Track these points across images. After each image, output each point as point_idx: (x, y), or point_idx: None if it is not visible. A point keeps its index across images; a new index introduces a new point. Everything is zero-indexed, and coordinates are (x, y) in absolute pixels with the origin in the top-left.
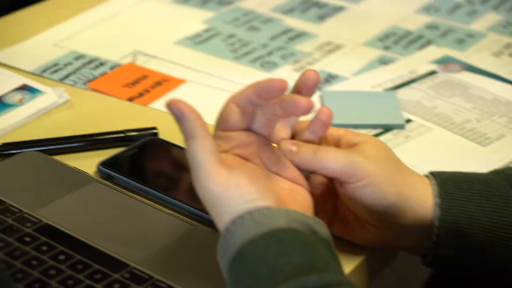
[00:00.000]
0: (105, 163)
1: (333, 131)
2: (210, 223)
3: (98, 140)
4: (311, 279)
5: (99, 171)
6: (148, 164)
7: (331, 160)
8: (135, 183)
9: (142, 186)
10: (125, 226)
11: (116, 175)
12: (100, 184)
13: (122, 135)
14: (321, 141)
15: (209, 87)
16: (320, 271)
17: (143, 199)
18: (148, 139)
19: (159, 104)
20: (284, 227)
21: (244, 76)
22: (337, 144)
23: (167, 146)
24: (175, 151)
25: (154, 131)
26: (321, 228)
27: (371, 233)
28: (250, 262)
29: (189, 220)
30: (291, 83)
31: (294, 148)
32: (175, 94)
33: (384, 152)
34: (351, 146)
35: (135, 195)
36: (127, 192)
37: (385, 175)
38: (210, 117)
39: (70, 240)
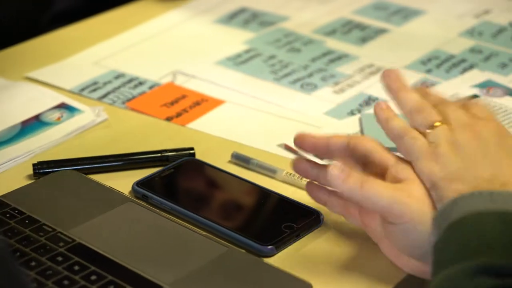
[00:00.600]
0: (140, 183)
1: (383, 158)
2: (243, 245)
3: (134, 160)
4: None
5: (133, 191)
6: (184, 184)
7: (376, 195)
8: (169, 203)
9: (176, 207)
10: (159, 247)
11: (151, 195)
12: (134, 204)
13: (158, 155)
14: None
15: (248, 108)
16: None
17: (178, 220)
18: (185, 160)
19: (197, 124)
20: None
21: (283, 98)
22: (383, 172)
23: (204, 166)
24: (211, 172)
25: (191, 151)
26: None
27: (413, 264)
28: (467, 232)
29: (223, 241)
30: (330, 105)
31: (342, 176)
32: (214, 114)
33: (428, 192)
34: (397, 181)
35: (170, 216)
36: (162, 213)
37: (429, 220)
38: (248, 138)
39: (102, 260)
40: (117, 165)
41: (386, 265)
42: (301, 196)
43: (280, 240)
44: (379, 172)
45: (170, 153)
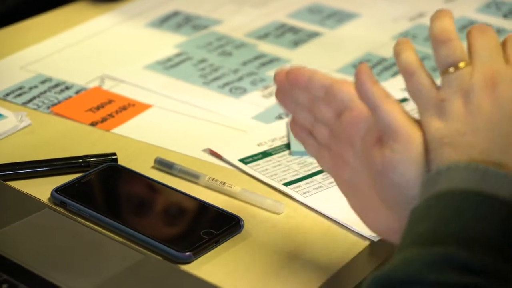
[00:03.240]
0: (59, 190)
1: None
2: (161, 252)
3: (55, 166)
4: (484, 260)
5: (52, 197)
6: (103, 191)
7: (391, 111)
8: (87, 209)
9: (94, 213)
10: (74, 254)
11: (69, 201)
12: (52, 211)
13: (79, 161)
14: None
15: (175, 112)
16: (500, 259)
17: (95, 227)
18: (106, 165)
19: (122, 130)
20: (504, 200)
21: (211, 102)
22: (354, 136)
23: (125, 172)
24: (132, 177)
25: (113, 157)
26: None
27: (388, 218)
28: (447, 210)
29: (140, 249)
30: (259, 109)
31: (370, 80)
32: (140, 119)
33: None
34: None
35: (87, 223)
36: (79, 220)
37: (422, 157)
38: (174, 143)
39: (15, 268)
40: (38, 171)
41: (306, 272)
42: (223, 202)
43: (198, 246)
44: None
45: (91, 159)
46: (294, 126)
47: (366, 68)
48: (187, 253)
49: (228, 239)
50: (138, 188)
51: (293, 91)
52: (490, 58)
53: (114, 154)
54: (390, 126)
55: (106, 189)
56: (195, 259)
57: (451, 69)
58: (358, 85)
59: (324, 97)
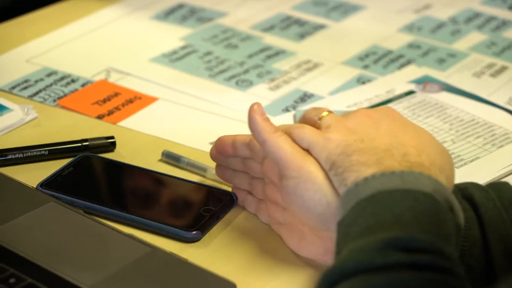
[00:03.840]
0: (44, 184)
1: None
2: (169, 234)
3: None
4: (425, 238)
5: (38, 191)
6: (91, 181)
7: (279, 145)
8: (83, 202)
9: (93, 205)
10: (81, 248)
11: (59, 195)
12: (57, 204)
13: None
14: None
15: (181, 105)
16: (438, 240)
17: (101, 220)
18: (80, 157)
19: (129, 122)
20: (426, 192)
21: (218, 95)
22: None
23: (101, 161)
24: (109, 164)
25: (112, 140)
26: (459, 213)
27: (314, 244)
28: (379, 206)
29: (147, 242)
30: (265, 101)
31: (260, 117)
32: (147, 112)
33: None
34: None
35: (93, 217)
36: (85, 214)
37: (326, 181)
38: (180, 136)
39: (22, 262)
40: (41, 155)
41: None
42: None
43: (203, 224)
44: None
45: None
46: (237, 191)
47: (258, 107)
48: (194, 232)
49: (227, 213)
50: (122, 175)
51: (227, 160)
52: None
53: (112, 137)
54: (279, 157)
55: (92, 179)
56: (203, 236)
57: (324, 113)
58: (249, 122)
59: (249, 154)
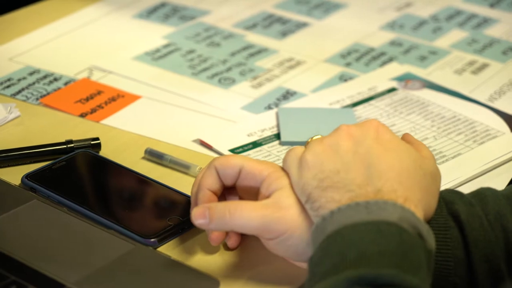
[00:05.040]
0: (29, 176)
1: (258, 171)
2: (127, 239)
3: (40, 153)
4: (389, 273)
5: (22, 183)
6: (74, 177)
7: (246, 221)
8: (55, 195)
9: (63, 199)
10: (64, 245)
11: (38, 187)
12: (40, 202)
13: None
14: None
15: (164, 103)
16: (405, 271)
17: (84, 218)
18: (77, 152)
19: (112, 121)
20: (392, 222)
21: (200, 93)
22: (258, 188)
23: (96, 159)
24: (103, 165)
25: (96, 141)
26: (430, 238)
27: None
28: (343, 242)
29: (130, 239)
30: (248, 99)
31: (205, 220)
32: (129, 110)
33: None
34: (270, 193)
35: (76, 214)
36: (68, 211)
37: (304, 225)
38: (164, 134)
39: (5, 260)
40: (23, 156)
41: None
42: None
43: (164, 233)
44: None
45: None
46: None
47: (196, 210)
48: (152, 240)
49: (194, 226)
50: (107, 174)
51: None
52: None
53: (97, 138)
54: (247, 231)
55: (76, 176)
56: (160, 246)
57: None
58: (205, 227)
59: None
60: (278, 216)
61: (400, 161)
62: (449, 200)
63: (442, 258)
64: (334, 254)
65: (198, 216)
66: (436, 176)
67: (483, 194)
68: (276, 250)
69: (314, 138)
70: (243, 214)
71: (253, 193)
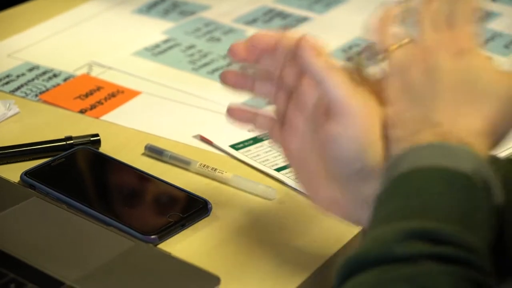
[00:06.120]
0: (28, 173)
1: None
2: (128, 236)
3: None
4: (450, 229)
5: (21, 180)
6: (73, 174)
7: (336, 83)
8: (55, 192)
9: (62, 196)
10: (64, 242)
11: (38, 184)
12: (40, 199)
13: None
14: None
15: (164, 99)
16: (467, 230)
17: (84, 215)
18: (77, 149)
19: (112, 117)
20: (464, 173)
21: (201, 88)
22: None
23: (96, 156)
24: (103, 161)
25: (96, 138)
26: (498, 193)
27: (333, 191)
28: (411, 187)
29: (130, 236)
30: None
31: (313, 52)
32: (129, 106)
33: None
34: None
35: (76, 211)
36: (68, 208)
37: (371, 131)
38: (164, 130)
39: (3, 257)
40: (22, 153)
41: (299, 259)
42: (214, 188)
43: (164, 230)
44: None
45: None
46: (234, 112)
47: (307, 41)
48: (152, 237)
49: (195, 222)
50: (107, 171)
51: (258, 58)
52: (429, 29)
53: (97, 135)
54: (335, 100)
55: (76, 173)
56: (160, 242)
57: (393, 47)
58: (300, 59)
59: (289, 60)
60: (357, 104)
61: (474, 89)
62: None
63: None
64: (398, 199)
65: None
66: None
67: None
68: (330, 143)
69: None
70: (337, 77)
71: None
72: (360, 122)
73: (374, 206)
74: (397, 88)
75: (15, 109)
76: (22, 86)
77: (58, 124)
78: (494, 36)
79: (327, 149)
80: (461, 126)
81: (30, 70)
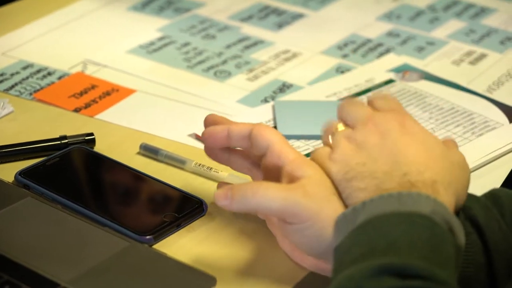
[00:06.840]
0: (22, 173)
1: (282, 152)
2: (123, 235)
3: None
4: (418, 265)
5: (16, 180)
6: (68, 173)
7: (269, 200)
8: (49, 193)
9: (57, 196)
10: (58, 243)
11: (32, 184)
12: (34, 200)
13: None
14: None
15: (159, 97)
16: (434, 265)
17: (79, 215)
18: (71, 148)
19: (106, 115)
20: (424, 214)
21: (196, 86)
22: (279, 174)
23: (91, 155)
24: (98, 160)
25: (91, 137)
26: (460, 234)
27: (311, 261)
28: (374, 232)
29: (125, 236)
30: (244, 92)
31: (227, 201)
32: (124, 104)
33: (329, 190)
34: (293, 180)
35: (71, 211)
36: (62, 208)
37: (328, 217)
38: (159, 128)
39: None
40: (16, 153)
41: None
42: (210, 188)
43: (159, 230)
44: (277, 168)
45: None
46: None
47: (218, 192)
48: (148, 237)
49: (191, 222)
50: (102, 171)
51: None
52: (359, 111)
53: (91, 134)
54: (267, 206)
55: (71, 172)
56: (156, 243)
57: (339, 127)
58: (228, 208)
59: (250, 146)
60: (301, 202)
61: (427, 150)
62: (465, 205)
63: (462, 265)
64: (364, 243)
65: (220, 197)
66: (464, 167)
67: (497, 196)
68: (291, 237)
69: (339, 129)
70: (267, 193)
71: (276, 176)
72: (308, 218)
73: (336, 258)
74: (350, 148)
75: (9, 108)
76: (16, 84)
77: (53, 123)
78: (489, 32)
79: (294, 241)
80: (426, 176)
81: (24, 68)
